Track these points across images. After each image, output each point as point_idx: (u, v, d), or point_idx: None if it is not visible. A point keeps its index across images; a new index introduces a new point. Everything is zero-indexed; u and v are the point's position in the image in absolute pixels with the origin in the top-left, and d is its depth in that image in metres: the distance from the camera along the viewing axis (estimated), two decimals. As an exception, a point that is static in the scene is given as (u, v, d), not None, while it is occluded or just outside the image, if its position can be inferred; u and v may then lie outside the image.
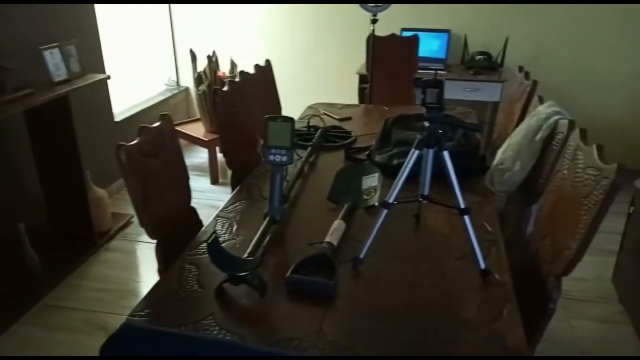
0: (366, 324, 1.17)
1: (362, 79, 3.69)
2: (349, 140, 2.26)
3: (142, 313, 1.18)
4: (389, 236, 1.50)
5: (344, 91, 3.87)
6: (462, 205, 1.30)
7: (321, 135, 2.23)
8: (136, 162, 1.41)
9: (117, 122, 3.62)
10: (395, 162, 1.91)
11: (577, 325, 2.45)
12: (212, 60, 3.66)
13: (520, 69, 2.51)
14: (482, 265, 1.31)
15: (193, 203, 1.75)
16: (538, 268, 1.44)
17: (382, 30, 3.22)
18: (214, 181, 3.75)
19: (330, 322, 1.17)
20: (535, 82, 2.17)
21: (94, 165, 2.97)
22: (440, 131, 1.28)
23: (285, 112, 2.60)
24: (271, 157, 1.49)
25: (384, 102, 3.16)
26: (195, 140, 3.78)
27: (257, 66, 2.40)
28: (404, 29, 3.91)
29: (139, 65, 4.11)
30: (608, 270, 2.72)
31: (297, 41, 4.23)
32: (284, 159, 1.48)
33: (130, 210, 3.14)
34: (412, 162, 1.31)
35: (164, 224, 1.50)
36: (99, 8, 3.34)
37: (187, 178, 1.70)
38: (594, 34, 3.70)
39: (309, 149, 2.08)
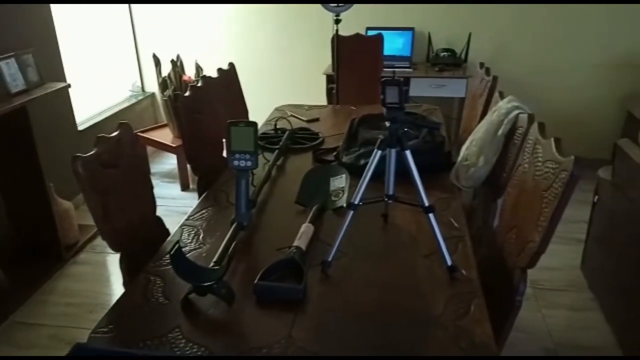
0: (335, 327, 1.17)
1: (330, 79, 3.70)
2: (316, 142, 2.25)
3: (105, 329, 1.14)
4: (358, 237, 1.50)
5: (311, 92, 3.86)
6: (426, 204, 1.31)
7: (288, 137, 2.22)
8: (94, 173, 1.37)
9: (80, 130, 3.54)
10: (362, 162, 1.91)
11: (548, 314, 2.49)
12: (177, 65, 3.60)
13: (482, 65, 2.54)
14: (449, 262, 1.31)
15: (163, 211, 1.72)
16: (504, 261, 1.46)
17: (347, 30, 3.22)
18: (185, 188, 3.70)
19: (299, 328, 1.16)
20: (495, 78, 2.20)
21: (58, 176, 2.89)
22: (402, 130, 1.28)
23: (253, 115, 2.58)
24: (235, 163, 1.47)
25: (352, 101, 3.16)
26: (163, 147, 3.71)
27: (220, 70, 2.37)
28: (368, 28, 3.93)
29: (102, 72, 4.02)
30: (577, 258, 2.78)
31: (263, 43, 4.20)
32: (249, 164, 1.46)
33: (97, 221, 3.06)
34: (375, 162, 1.31)
35: (127, 235, 1.47)
36: (58, 15, 3.26)
37: (151, 187, 1.67)
38: (555, 27, 3.78)
39: (276, 152, 2.07)
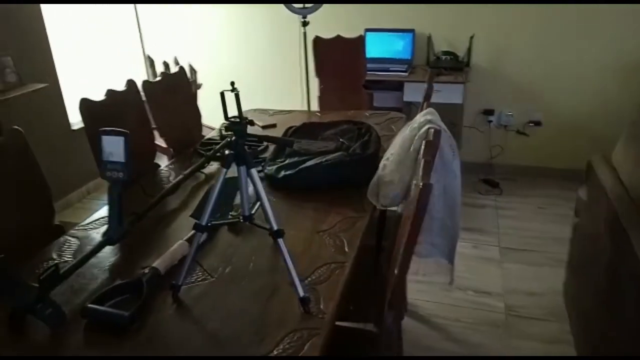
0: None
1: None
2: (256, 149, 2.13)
3: None
4: (238, 257, 1.40)
5: (295, 96, 3.74)
6: (275, 228, 1.18)
7: (225, 145, 2.13)
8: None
9: (74, 130, 3.61)
10: (283, 173, 1.80)
11: (517, 346, 2.27)
12: (168, 66, 3.60)
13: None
14: (301, 293, 1.18)
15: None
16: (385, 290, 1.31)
17: (345, 31, 3.10)
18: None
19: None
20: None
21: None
22: (248, 147, 1.16)
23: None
24: (108, 174, 1.40)
25: (333, 106, 3.04)
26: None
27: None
28: (367, 30, 3.78)
29: (107, 72, 4.10)
30: (560, 283, 2.52)
31: (254, 45, 4.14)
32: (120, 175, 1.39)
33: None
34: (220, 181, 1.19)
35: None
36: (62, 16, 3.34)
37: (47, 195, 1.63)
38: (563, 28, 3.47)
39: (201, 159, 1.98)
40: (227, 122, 1.21)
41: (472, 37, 3.55)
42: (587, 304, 2.07)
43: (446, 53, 3.65)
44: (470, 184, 3.77)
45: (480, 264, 2.83)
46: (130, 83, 2.02)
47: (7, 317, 1.15)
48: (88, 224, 1.64)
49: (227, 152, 1.19)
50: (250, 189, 1.71)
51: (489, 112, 3.82)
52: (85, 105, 1.78)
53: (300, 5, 2.56)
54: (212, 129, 2.78)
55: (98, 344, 1.12)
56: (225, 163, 1.19)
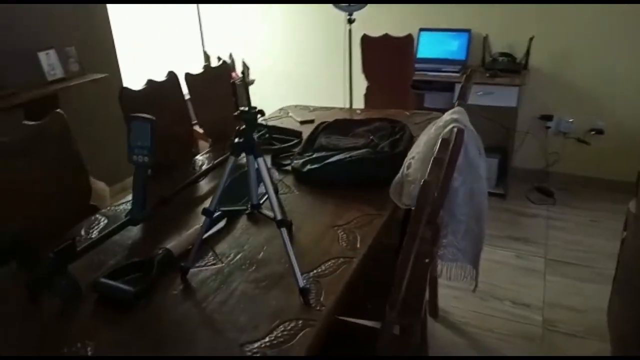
0: (144, 341, 1.10)
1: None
2: (287, 144, 2.15)
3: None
4: (249, 246, 1.43)
5: (339, 94, 3.74)
6: (279, 217, 1.19)
7: (259, 137, 2.16)
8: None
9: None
10: (308, 167, 1.81)
11: (551, 364, 2.16)
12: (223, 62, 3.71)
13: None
14: (301, 284, 1.18)
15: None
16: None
17: (399, 31, 3.07)
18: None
19: (122, 333, 1.12)
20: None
21: (100, 159, 3.11)
22: (256, 136, 1.18)
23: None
24: (134, 158, 1.46)
25: (381, 105, 3.02)
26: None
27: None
28: (422, 29, 3.72)
29: (163, 67, 4.28)
30: (605, 301, 2.36)
31: (303, 43, 4.19)
32: (146, 159, 1.45)
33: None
34: (229, 168, 1.22)
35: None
36: (125, 10, 3.55)
37: (85, 178, 1.73)
38: (625, 33, 3.26)
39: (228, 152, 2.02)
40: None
41: (531, 39, 3.41)
42: (627, 326, 1.93)
43: (503, 54, 3.53)
44: (522, 192, 3.61)
45: (522, 275, 2.71)
46: (171, 74, 2.10)
47: (25, 288, 1.23)
48: (119, 204, 1.72)
49: (235, 140, 1.21)
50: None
51: (547, 118, 3.65)
52: (125, 93, 1.87)
53: (347, 4, 2.55)
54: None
55: (102, 317, 1.17)
56: (234, 151, 1.21)
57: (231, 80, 1.14)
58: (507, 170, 3.57)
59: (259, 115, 1.21)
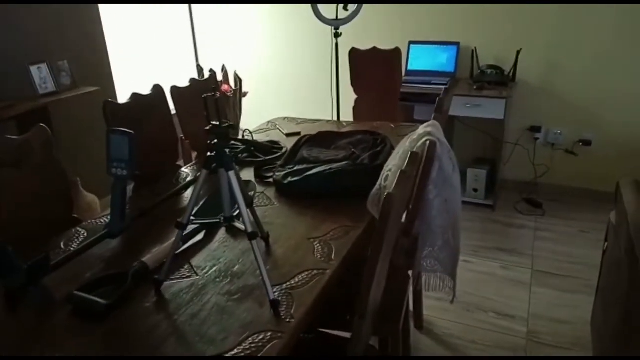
0: (114, 354, 1.12)
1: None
2: (270, 157, 2.17)
3: None
4: (225, 258, 1.45)
5: (328, 106, 3.77)
6: (249, 230, 1.21)
7: (244, 150, 2.19)
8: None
9: (125, 132, 3.82)
10: (289, 179, 1.83)
11: (535, 375, 2.17)
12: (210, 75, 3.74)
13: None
14: (271, 296, 1.20)
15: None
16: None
17: (388, 44, 3.11)
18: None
19: (90, 343, 1.13)
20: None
21: (89, 171, 3.13)
22: (227, 150, 1.20)
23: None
24: (113, 170, 1.49)
25: (369, 117, 3.06)
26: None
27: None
28: (411, 42, 3.76)
29: (157, 80, 4.33)
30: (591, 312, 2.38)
31: (292, 56, 4.23)
32: (124, 172, 1.48)
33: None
34: (201, 182, 1.24)
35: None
36: (119, 23, 3.60)
37: (67, 189, 1.75)
38: (620, 44, 3.29)
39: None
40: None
41: (519, 52, 3.44)
42: (607, 335, 1.94)
43: (491, 67, 3.56)
44: (511, 203, 3.63)
45: (508, 286, 2.72)
46: (157, 87, 2.13)
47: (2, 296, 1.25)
48: (101, 217, 1.75)
49: (208, 154, 1.23)
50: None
51: (535, 129, 3.68)
52: (109, 107, 1.90)
53: (332, 17, 2.59)
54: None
55: (74, 328, 1.19)
56: (206, 165, 1.24)
57: (203, 95, 1.15)
58: (496, 182, 3.59)
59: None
